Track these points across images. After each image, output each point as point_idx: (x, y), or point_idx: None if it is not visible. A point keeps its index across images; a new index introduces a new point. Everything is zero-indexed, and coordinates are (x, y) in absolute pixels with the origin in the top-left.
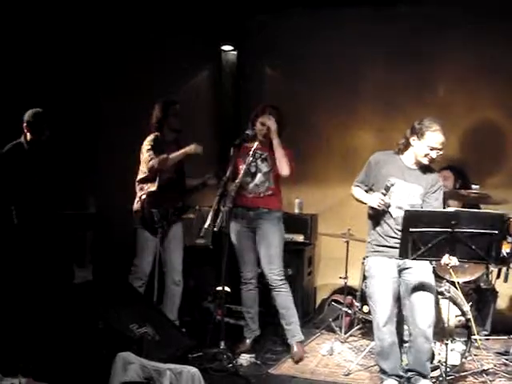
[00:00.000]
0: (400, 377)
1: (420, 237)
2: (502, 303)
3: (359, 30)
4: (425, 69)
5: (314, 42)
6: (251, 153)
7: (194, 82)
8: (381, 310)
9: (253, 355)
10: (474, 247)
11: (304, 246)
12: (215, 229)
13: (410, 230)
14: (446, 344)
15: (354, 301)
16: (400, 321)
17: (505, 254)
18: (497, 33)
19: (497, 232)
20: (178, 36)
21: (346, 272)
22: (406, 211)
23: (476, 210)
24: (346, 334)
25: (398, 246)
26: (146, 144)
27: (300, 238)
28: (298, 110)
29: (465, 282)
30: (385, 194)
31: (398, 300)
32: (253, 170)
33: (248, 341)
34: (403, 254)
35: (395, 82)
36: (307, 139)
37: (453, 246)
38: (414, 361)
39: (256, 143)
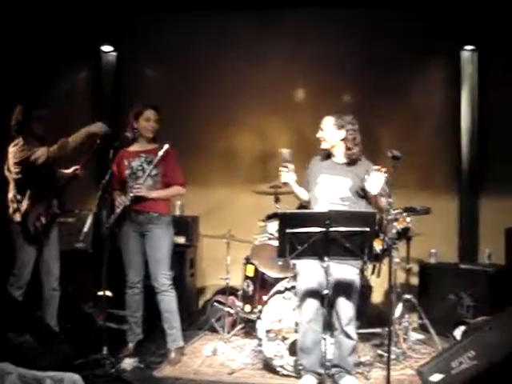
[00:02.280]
0: (319, 374)
1: (296, 237)
2: (376, 298)
3: (240, 33)
4: (298, 70)
5: (194, 43)
6: (134, 158)
7: (73, 84)
8: (306, 307)
9: (136, 359)
10: (348, 245)
11: (186, 248)
12: (106, 231)
13: (286, 230)
14: (325, 338)
15: (235, 301)
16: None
17: (378, 251)
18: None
19: (369, 230)
20: (57, 35)
21: (228, 273)
22: (279, 213)
23: (348, 210)
24: (228, 333)
25: None
26: (19, 148)
27: (182, 239)
28: (179, 111)
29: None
30: (285, 166)
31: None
32: (139, 173)
33: (131, 345)
34: (281, 254)
35: (275, 83)
36: (188, 140)
37: (328, 245)
38: (338, 356)
39: (140, 146)
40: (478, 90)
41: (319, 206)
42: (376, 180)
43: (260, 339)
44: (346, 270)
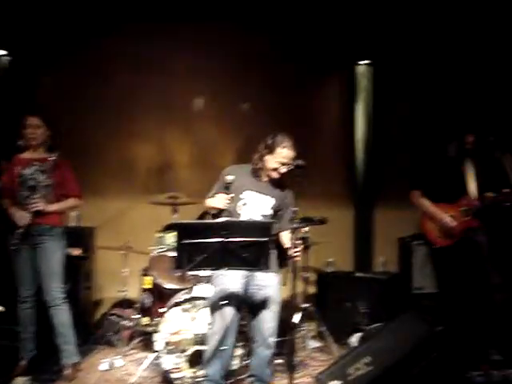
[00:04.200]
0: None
1: (194, 248)
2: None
3: (136, 44)
4: (198, 82)
5: (91, 53)
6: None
7: None
8: (219, 318)
9: (29, 377)
10: (244, 255)
11: (81, 260)
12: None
13: (183, 241)
14: (224, 350)
15: (133, 313)
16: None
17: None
18: None
19: (265, 240)
20: None
21: (125, 285)
22: (176, 224)
23: (244, 220)
24: (126, 347)
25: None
26: None
27: (77, 251)
28: (75, 121)
29: None
30: (226, 193)
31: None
32: (31, 183)
33: (24, 362)
34: (179, 266)
35: (173, 95)
36: (84, 150)
37: (225, 256)
38: (256, 366)
39: (33, 154)
40: (373, 104)
41: None
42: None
43: (158, 352)
44: (270, 283)
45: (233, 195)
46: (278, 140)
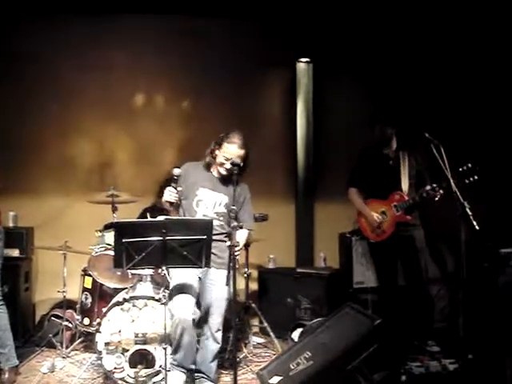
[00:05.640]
0: (189, 370)
1: (134, 246)
2: None
3: (76, 39)
4: (137, 77)
5: (27, 48)
6: None
7: None
8: (181, 304)
9: None
10: (185, 253)
11: (20, 261)
12: None
13: (123, 240)
14: (165, 348)
15: (74, 314)
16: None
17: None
18: None
19: (205, 237)
20: None
21: (65, 285)
22: (115, 223)
23: (184, 218)
24: (67, 348)
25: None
26: None
27: (15, 252)
28: (10, 118)
29: None
30: (174, 187)
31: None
32: None
33: None
34: (118, 264)
35: (113, 91)
36: (20, 148)
37: (165, 254)
38: (201, 361)
39: None
40: (313, 100)
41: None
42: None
43: (100, 352)
44: (220, 281)
45: (180, 188)
46: (227, 136)
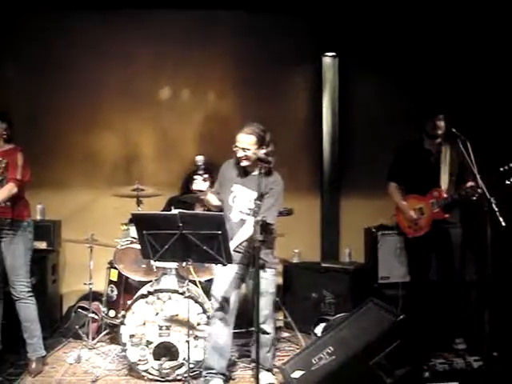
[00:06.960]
0: (226, 376)
1: (155, 239)
2: None
3: (98, 32)
4: (164, 70)
5: (50, 43)
6: None
7: None
8: (218, 308)
9: None
10: (205, 248)
11: (47, 254)
12: None
13: (144, 232)
14: (188, 341)
15: (100, 306)
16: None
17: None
18: None
19: (220, 232)
20: None
21: (91, 278)
22: (133, 215)
23: (196, 212)
24: (93, 340)
25: (239, 250)
26: None
27: (43, 245)
28: (37, 113)
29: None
30: (200, 175)
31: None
32: None
33: None
34: (146, 256)
35: (139, 84)
36: (47, 142)
37: (187, 248)
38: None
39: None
40: (339, 95)
41: (233, 214)
42: None
43: (124, 344)
44: (265, 275)
45: (207, 176)
46: (242, 127)
